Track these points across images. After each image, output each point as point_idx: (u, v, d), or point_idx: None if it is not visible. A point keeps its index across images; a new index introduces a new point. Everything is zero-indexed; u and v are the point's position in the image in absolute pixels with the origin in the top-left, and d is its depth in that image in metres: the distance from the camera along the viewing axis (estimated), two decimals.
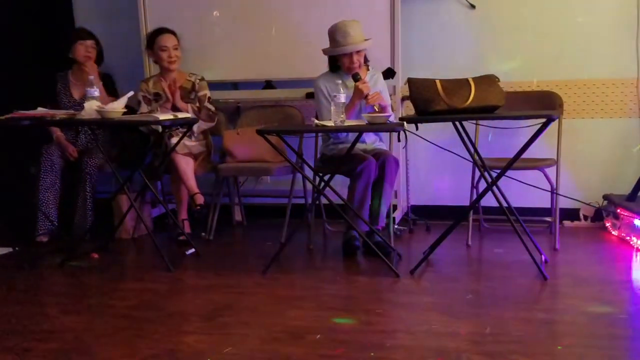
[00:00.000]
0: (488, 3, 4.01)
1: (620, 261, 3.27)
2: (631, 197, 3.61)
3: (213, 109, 3.97)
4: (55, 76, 4.08)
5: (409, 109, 3.75)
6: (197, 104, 3.94)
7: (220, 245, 3.83)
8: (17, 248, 3.72)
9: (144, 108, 3.93)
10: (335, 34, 3.41)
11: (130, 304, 2.79)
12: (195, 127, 3.80)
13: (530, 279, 2.95)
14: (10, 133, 3.83)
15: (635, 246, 3.42)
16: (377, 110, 3.26)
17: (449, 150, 3.34)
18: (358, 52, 3.42)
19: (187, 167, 3.76)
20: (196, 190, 3.75)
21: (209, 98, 3.98)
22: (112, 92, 3.96)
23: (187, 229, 3.89)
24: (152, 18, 4.17)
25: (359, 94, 3.36)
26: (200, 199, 3.74)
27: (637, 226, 3.40)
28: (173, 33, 3.92)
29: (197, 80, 3.97)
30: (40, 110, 3.47)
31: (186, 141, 3.76)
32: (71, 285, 3.15)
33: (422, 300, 2.75)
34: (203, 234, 3.92)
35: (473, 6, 4.02)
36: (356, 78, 3.36)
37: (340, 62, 3.49)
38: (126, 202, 3.75)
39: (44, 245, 3.78)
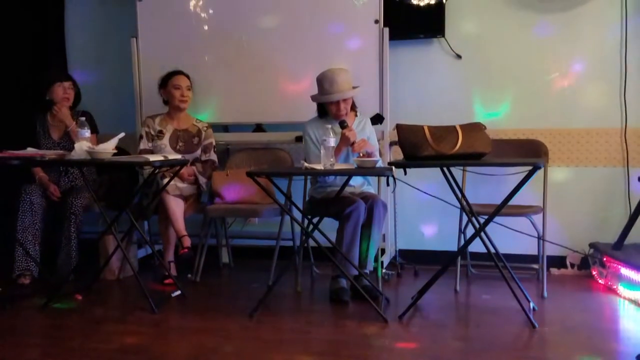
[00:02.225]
0: (474, 53, 4.11)
1: (608, 310, 3.28)
2: (617, 245, 3.63)
3: (216, 161, 4.03)
4: (34, 118, 4.07)
5: (397, 154, 3.79)
6: (201, 152, 4.01)
7: (206, 287, 3.79)
8: (0, 288, 3.65)
9: (145, 144, 3.95)
10: (323, 81, 3.48)
11: (113, 347, 2.73)
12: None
13: (518, 327, 2.93)
14: None
15: (622, 295, 3.43)
16: (363, 156, 3.30)
17: (435, 197, 3.38)
18: (345, 100, 3.48)
19: (177, 208, 3.75)
20: (184, 232, 3.73)
21: (214, 147, 4.04)
22: (92, 129, 3.90)
23: (174, 271, 3.85)
24: (144, 62, 4.22)
25: (345, 141, 3.41)
26: (187, 242, 3.72)
27: (624, 275, 3.42)
28: (187, 76, 4.00)
29: (204, 128, 4.04)
30: (30, 151, 3.47)
31: (178, 182, 3.77)
32: (53, 327, 3.08)
33: (411, 346, 2.72)
34: (189, 275, 3.88)
35: (459, 56, 4.12)
36: (343, 125, 3.42)
37: (327, 109, 3.54)
38: (112, 242, 3.72)
39: (27, 287, 3.71)
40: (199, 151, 4.01)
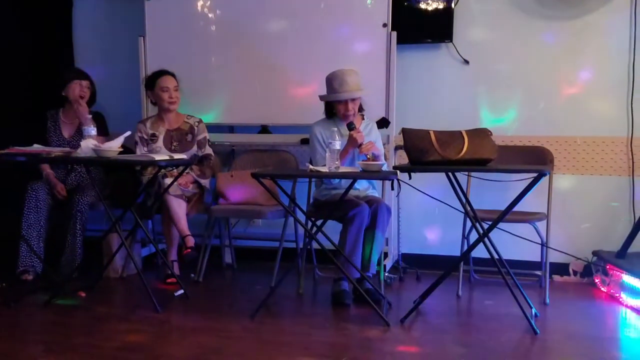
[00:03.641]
0: (481, 59, 4.10)
1: (609, 318, 3.28)
2: (621, 254, 3.63)
3: (212, 155, 4.01)
4: (46, 114, 4.08)
5: (402, 159, 3.79)
6: (197, 148, 3.99)
7: (209, 288, 3.80)
8: (4, 284, 3.67)
9: (140, 149, 3.94)
10: (332, 81, 3.49)
11: (116, 345, 2.75)
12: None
13: (520, 333, 2.93)
14: (1, 169, 3.83)
15: (624, 303, 3.42)
16: (369, 158, 3.30)
17: (441, 201, 3.38)
18: (353, 100, 3.50)
19: (179, 209, 3.75)
20: (187, 232, 3.74)
21: (209, 140, 4.02)
22: (103, 131, 3.94)
23: (177, 270, 3.86)
24: (151, 61, 4.22)
25: (352, 143, 3.42)
26: (191, 242, 3.72)
27: (627, 283, 3.42)
28: (173, 75, 3.98)
29: (196, 123, 4.01)
30: (36, 147, 3.48)
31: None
32: (56, 324, 3.10)
33: (413, 350, 2.72)
34: (192, 275, 3.89)
35: (467, 61, 4.12)
36: (351, 127, 3.42)
37: (335, 108, 3.55)
38: (116, 240, 3.73)
39: (30, 283, 3.73)
40: (194, 148, 4.00)
